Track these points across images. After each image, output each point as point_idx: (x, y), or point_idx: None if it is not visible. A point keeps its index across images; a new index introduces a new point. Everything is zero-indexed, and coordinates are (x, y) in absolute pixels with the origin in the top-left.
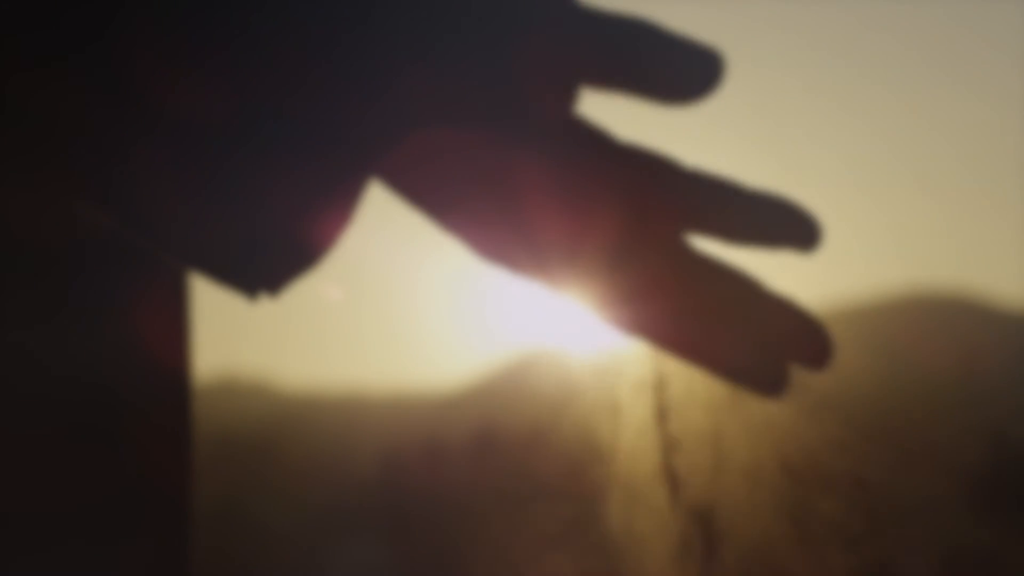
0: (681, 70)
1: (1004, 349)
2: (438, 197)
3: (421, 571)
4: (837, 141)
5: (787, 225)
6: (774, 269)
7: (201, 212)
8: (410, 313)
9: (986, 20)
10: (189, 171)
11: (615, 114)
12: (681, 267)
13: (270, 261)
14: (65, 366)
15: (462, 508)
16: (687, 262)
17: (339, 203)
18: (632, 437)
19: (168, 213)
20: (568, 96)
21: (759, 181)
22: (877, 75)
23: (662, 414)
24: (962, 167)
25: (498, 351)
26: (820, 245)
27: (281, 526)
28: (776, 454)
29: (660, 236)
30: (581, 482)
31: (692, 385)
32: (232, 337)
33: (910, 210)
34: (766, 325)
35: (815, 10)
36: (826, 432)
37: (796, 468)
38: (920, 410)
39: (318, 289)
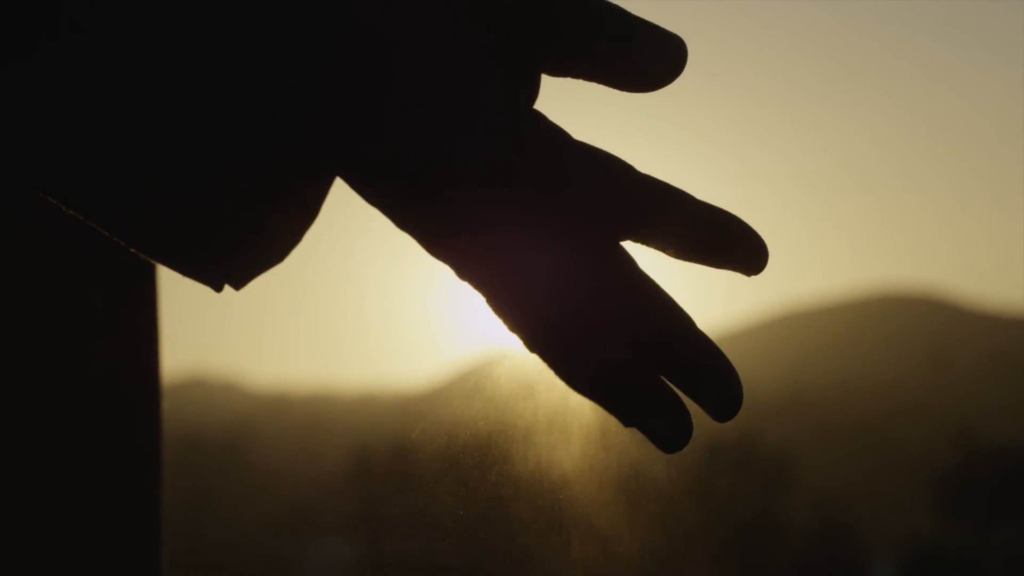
0: (643, 56)
1: (974, 349)
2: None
3: (390, 568)
4: (808, 142)
5: (734, 247)
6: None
7: (168, 206)
8: (379, 313)
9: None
10: (158, 166)
11: (580, 109)
12: (607, 277)
13: (235, 256)
14: (34, 364)
15: (431, 505)
16: (618, 272)
17: (303, 202)
18: (593, 437)
19: (136, 207)
20: (529, 85)
21: (729, 178)
22: (852, 76)
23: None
24: (934, 169)
25: (465, 351)
26: (764, 269)
27: (250, 522)
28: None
29: (593, 241)
30: (546, 478)
31: None
32: (201, 336)
33: (879, 211)
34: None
35: (800, 8)
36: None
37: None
38: (889, 408)
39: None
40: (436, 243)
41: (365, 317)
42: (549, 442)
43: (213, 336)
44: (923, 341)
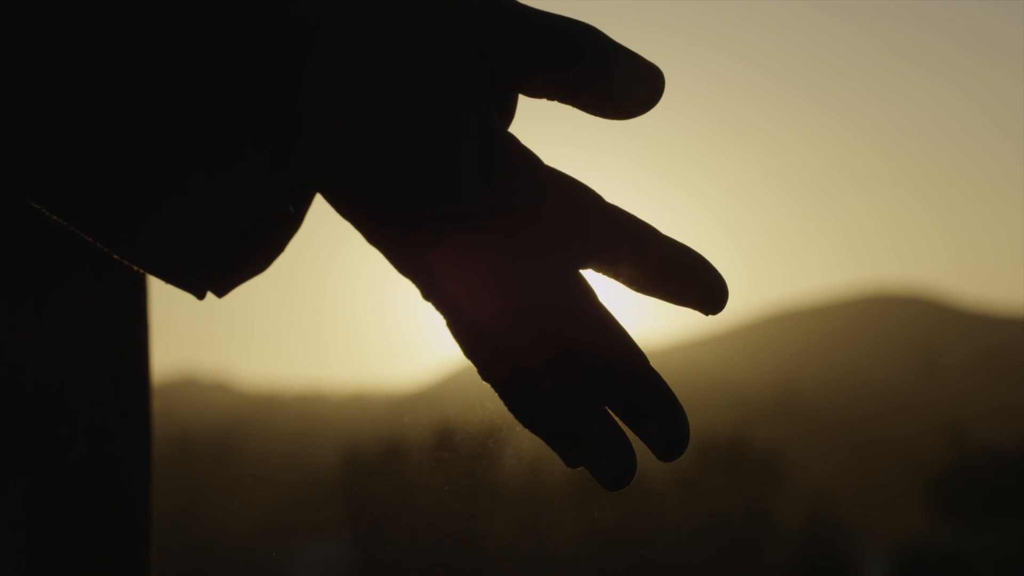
0: (619, 84)
1: (965, 348)
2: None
3: (380, 567)
4: (800, 140)
5: (694, 287)
6: (732, 266)
7: (153, 215)
8: (369, 313)
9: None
10: (144, 175)
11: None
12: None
13: (217, 265)
14: (26, 362)
15: (421, 504)
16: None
17: (287, 212)
18: None
19: (121, 214)
20: (505, 107)
21: (721, 176)
22: (844, 75)
23: None
24: (925, 168)
25: (454, 351)
26: (722, 310)
27: (241, 520)
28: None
29: (552, 271)
30: (535, 477)
31: None
32: (192, 335)
33: (871, 210)
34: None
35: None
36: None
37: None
38: (880, 408)
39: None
40: (403, 264)
41: (355, 317)
42: (538, 442)
43: (204, 335)
44: (914, 340)
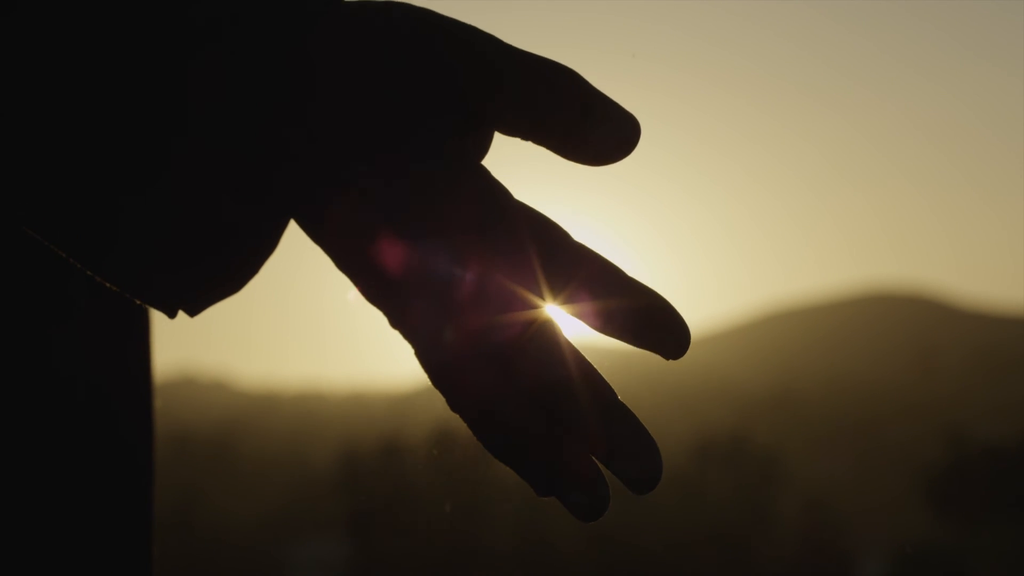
0: (595, 133)
1: (964, 347)
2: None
3: (378, 565)
4: (798, 139)
5: (655, 331)
6: (732, 265)
7: (129, 235)
8: (367, 312)
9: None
10: (121, 196)
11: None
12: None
13: (190, 285)
14: (27, 363)
15: (419, 502)
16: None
17: (260, 234)
18: None
19: (97, 234)
20: (479, 140)
21: (720, 175)
22: (842, 73)
23: None
24: (924, 167)
25: None
26: (683, 355)
27: (240, 519)
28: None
29: (516, 306)
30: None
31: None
32: (192, 334)
33: (869, 209)
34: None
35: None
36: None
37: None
38: (879, 407)
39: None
40: (370, 291)
41: (354, 316)
42: None
43: (203, 335)
44: (913, 339)
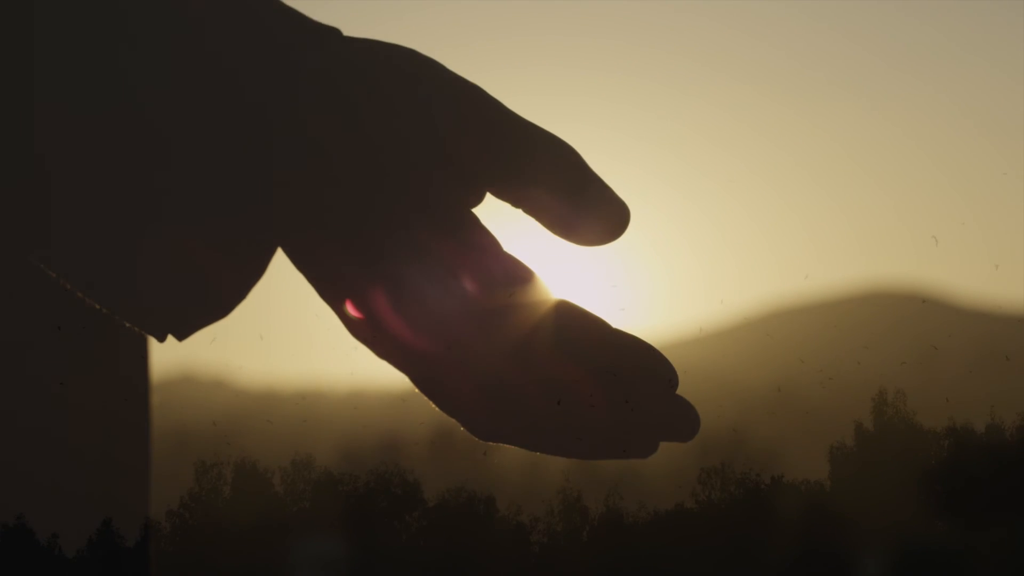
0: (586, 214)
1: (964, 344)
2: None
3: (378, 565)
4: (798, 138)
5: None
6: (731, 262)
7: (121, 261)
8: None
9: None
10: (112, 221)
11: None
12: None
13: (181, 309)
14: (26, 363)
15: (419, 501)
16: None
17: (248, 259)
18: None
19: (91, 260)
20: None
21: (720, 172)
22: (841, 72)
23: None
24: (924, 164)
25: None
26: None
27: (238, 518)
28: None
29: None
30: (536, 473)
31: None
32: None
33: (869, 206)
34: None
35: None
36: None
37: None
38: (879, 406)
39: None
40: (352, 330)
41: None
42: None
43: (202, 332)
44: (913, 336)
